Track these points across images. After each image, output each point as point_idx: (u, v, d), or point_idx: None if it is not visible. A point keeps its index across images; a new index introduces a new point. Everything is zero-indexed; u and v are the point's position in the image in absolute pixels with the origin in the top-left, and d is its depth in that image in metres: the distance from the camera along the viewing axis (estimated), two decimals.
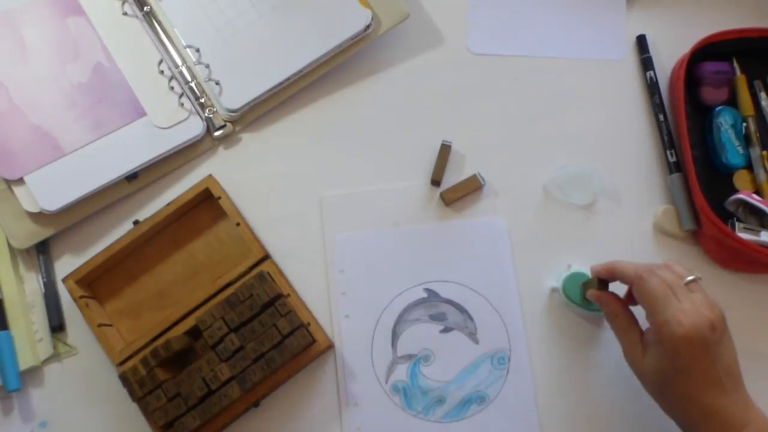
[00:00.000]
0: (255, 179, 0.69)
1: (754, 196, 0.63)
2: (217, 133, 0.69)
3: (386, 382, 0.63)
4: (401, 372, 0.63)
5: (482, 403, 0.62)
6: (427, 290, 0.65)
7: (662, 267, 0.55)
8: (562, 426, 0.61)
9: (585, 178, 0.67)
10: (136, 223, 0.66)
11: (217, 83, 0.69)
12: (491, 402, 0.62)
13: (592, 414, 0.62)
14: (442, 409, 0.62)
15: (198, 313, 0.62)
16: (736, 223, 0.62)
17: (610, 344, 0.63)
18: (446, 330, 0.64)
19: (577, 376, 0.63)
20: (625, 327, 0.56)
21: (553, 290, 0.64)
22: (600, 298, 0.59)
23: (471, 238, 0.66)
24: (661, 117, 0.68)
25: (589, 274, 0.62)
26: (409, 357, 0.63)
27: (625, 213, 0.67)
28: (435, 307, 0.64)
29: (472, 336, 0.63)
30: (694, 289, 0.53)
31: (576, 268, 0.64)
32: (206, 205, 0.68)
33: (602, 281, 0.59)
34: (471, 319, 0.64)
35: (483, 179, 0.66)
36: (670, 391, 0.52)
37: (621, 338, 0.56)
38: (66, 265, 0.67)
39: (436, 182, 0.67)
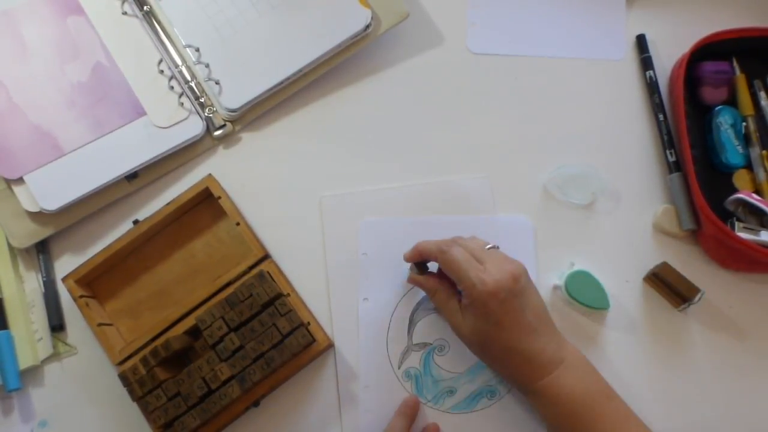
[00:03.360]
0: (255, 179, 0.69)
1: (754, 195, 0.63)
2: (216, 133, 0.69)
3: (399, 368, 0.63)
4: (414, 359, 0.63)
5: (493, 398, 0.62)
6: None
7: (461, 238, 0.59)
8: None
9: (584, 177, 0.67)
10: (135, 222, 0.66)
11: (217, 83, 0.69)
12: (502, 397, 0.62)
13: None
14: (452, 399, 0.62)
15: (198, 313, 0.62)
16: (736, 223, 0.62)
17: (612, 341, 0.63)
18: None
19: None
20: (444, 299, 0.59)
21: (556, 288, 0.64)
22: (416, 281, 0.62)
23: (495, 234, 0.65)
24: (661, 116, 0.68)
25: (591, 273, 0.63)
26: (424, 345, 0.63)
27: (624, 212, 0.67)
28: None
29: None
30: (493, 252, 0.58)
31: (579, 267, 0.64)
32: (206, 204, 0.68)
33: (419, 265, 0.62)
34: None
35: (702, 297, 0.62)
36: (491, 346, 0.56)
37: (443, 311, 0.59)
38: (66, 264, 0.67)
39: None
